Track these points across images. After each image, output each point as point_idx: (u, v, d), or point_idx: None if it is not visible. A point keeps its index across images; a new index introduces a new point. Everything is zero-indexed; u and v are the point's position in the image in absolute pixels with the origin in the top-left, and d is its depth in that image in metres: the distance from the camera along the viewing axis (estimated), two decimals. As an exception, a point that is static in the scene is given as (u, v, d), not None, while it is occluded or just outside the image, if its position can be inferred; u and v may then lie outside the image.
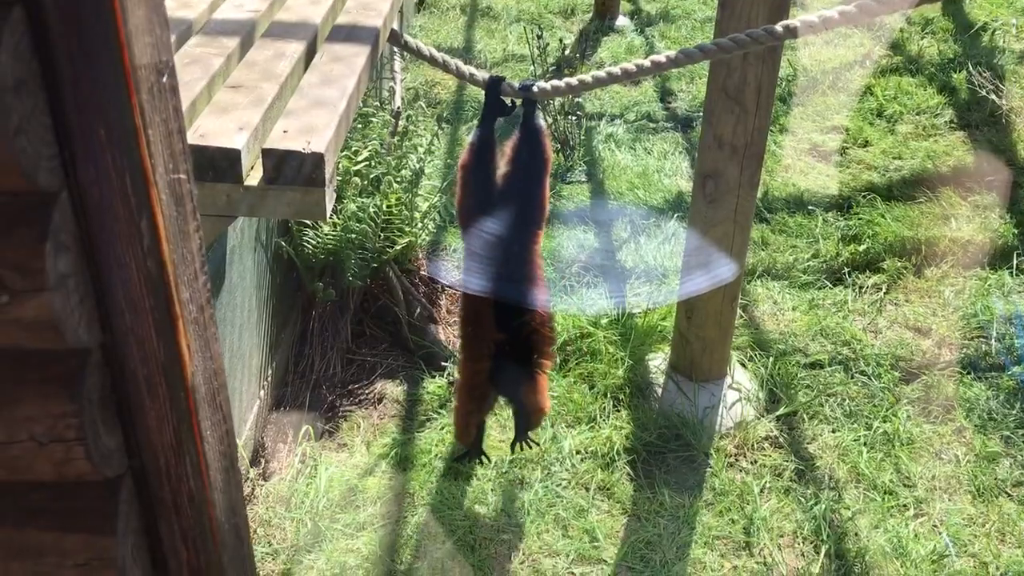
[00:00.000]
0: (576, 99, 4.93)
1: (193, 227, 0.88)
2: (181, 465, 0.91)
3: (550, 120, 4.93)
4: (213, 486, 0.96)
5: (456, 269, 4.15)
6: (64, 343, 0.77)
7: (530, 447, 2.91)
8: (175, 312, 0.85)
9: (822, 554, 2.86)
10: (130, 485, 0.90)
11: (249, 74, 2.01)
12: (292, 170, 1.73)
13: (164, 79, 0.80)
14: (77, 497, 0.87)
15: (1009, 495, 3.08)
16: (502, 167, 2.59)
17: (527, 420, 2.76)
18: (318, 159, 1.72)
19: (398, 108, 3.87)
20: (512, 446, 2.89)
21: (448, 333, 3.87)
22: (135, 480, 0.91)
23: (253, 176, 1.77)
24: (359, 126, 3.62)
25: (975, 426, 3.33)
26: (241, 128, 1.77)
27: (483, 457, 2.94)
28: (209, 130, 1.78)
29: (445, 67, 2.49)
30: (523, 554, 2.89)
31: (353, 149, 3.52)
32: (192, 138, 1.76)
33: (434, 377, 3.61)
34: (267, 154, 1.74)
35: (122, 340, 0.84)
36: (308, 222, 3.38)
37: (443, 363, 3.67)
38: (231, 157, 1.71)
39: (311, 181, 1.73)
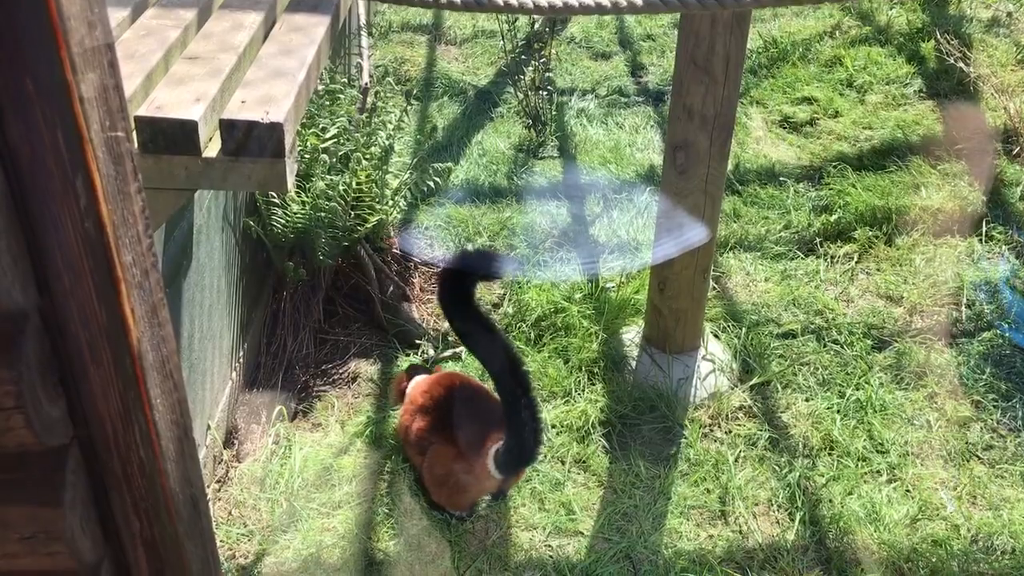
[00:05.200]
0: (547, 74, 4.89)
1: (134, 188, 0.85)
2: (130, 434, 0.89)
3: (521, 96, 4.90)
4: (165, 456, 0.93)
5: (428, 246, 4.13)
6: (-2, 305, 0.75)
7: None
8: (116, 275, 0.82)
9: (797, 521, 2.87)
10: (77, 455, 0.87)
11: (206, 46, 1.97)
12: (250, 141, 1.69)
13: (97, 32, 0.77)
14: (20, 468, 0.84)
15: (980, 459, 3.11)
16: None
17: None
18: (277, 129, 1.69)
19: (366, 84, 3.82)
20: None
21: (422, 311, 3.85)
22: (82, 450, 0.88)
23: (211, 148, 1.74)
24: (327, 103, 3.57)
25: (946, 392, 3.35)
26: (198, 99, 1.74)
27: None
28: (165, 102, 1.74)
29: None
30: (500, 529, 2.88)
31: (321, 126, 3.48)
32: (148, 110, 1.72)
33: (408, 355, 3.59)
34: (225, 125, 1.71)
35: (62, 304, 0.81)
36: (276, 200, 3.34)
37: (417, 341, 3.65)
38: (188, 128, 1.67)
39: (270, 152, 1.70)
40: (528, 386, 2.62)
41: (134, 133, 1.73)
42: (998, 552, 2.77)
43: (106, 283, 0.82)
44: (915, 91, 5.13)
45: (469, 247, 4.06)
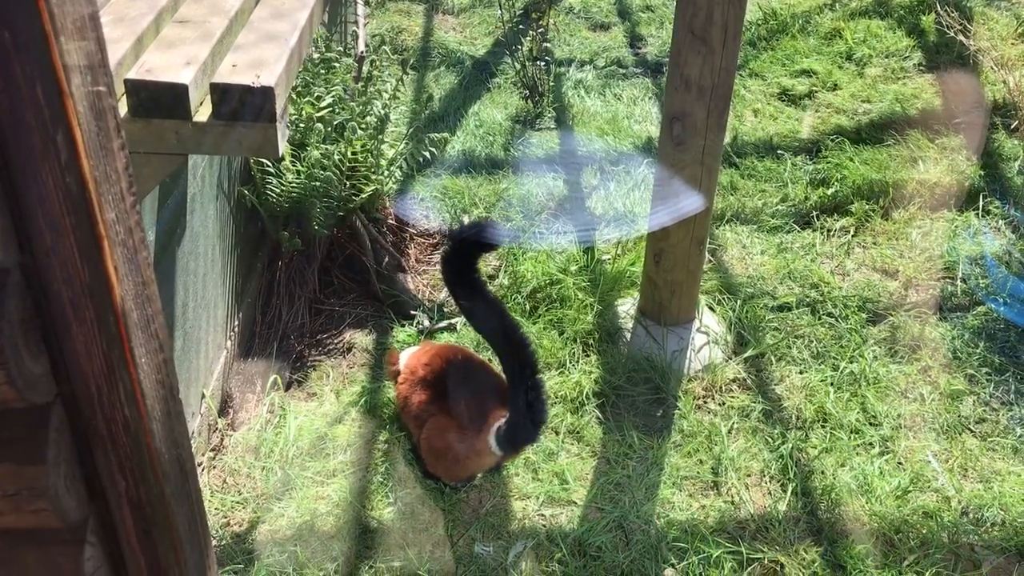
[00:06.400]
0: (545, 45, 4.86)
1: (117, 145, 0.84)
2: (114, 393, 0.89)
3: (518, 66, 4.87)
4: (150, 415, 0.93)
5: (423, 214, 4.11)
6: (-23, 261, 0.74)
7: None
8: (99, 232, 0.81)
9: (789, 492, 2.89)
10: (60, 413, 0.87)
11: (198, 9, 1.95)
12: (241, 105, 1.68)
13: (76, -15, 0.76)
14: (3, 425, 0.84)
15: (972, 431, 3.12)
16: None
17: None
18: (268, 93, 1.68)
19: (362, 53, 3.79)
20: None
21: (417, 282, 3.84)
22: (66, 408, 0.88)
23: (202, 113, 1.73)
24: (322, 71, 3.54)
25: (940, 365, 3.36)
26: (189, 63, 1.72)
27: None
28: (156, 65, 1.73)
29: None
30: (493, 498, 2.90)
31: (316, 95, 3.45)
32: (138, 73, 1.71)
33: (403, 326, 3.59)
34: (215, 89, 1.70)
35: (43, 261, 0.80)
36: (271, 168, 3.32)
37: (412, 312, 3.65)
38: (178, 92, 1.66)
39: (261, 116, 1.69)
40: (535, 367, 2.62)
41: (124, 97, 1.72)
42: (988, 524, 2.78)
43: (88, 240, 0.82)
44: (914, 64, 5.09)
45: (465, 220, 4.05)
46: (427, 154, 3.79)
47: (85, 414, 0.89)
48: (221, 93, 1.70)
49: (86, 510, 0.94)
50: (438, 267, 3.89)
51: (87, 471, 0.93)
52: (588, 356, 3.39)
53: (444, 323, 3.60)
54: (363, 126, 3.46)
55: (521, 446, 2.84)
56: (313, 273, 3.66)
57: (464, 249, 2.65)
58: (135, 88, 1.68)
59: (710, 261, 3.80)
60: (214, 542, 2.74)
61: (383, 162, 3.61)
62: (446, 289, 3.72)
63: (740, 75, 5.06)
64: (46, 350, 0.85)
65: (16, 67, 0.73)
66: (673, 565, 2.68)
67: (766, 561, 2.69)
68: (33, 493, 0.85)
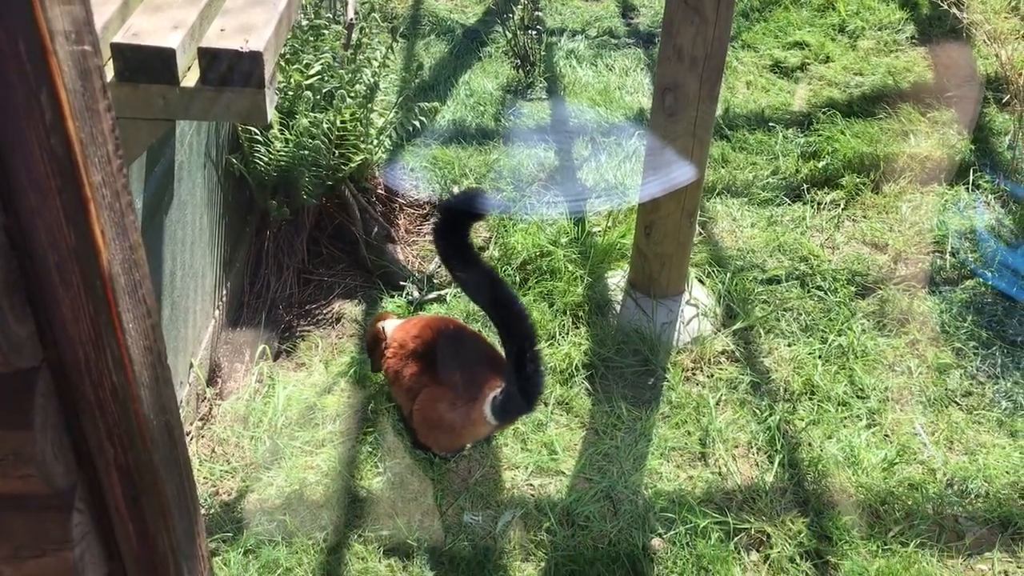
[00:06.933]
0: (536, 14, 4.81)
1: (103, 106, 0.83)
2: (102, 358, 0.88)
3: (509, 35, 4.82)
4: (138, 381, 0.92)
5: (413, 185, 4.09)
6: (-41, 223, 0.73)
7: None
8: (85, 195, 0.80)
9: (776, 463, 2.91)
10: (47, 378, 0.86)
11: (185, -28, 1.91)
12: (229, 70, 1.66)
13: (59, -61, 0.74)
14: (-12, 390, 0.83)
15: (958, 404, 3.14)
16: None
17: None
18: (257, 58, 1.66)
19: (351, 20, 3.74)
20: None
21: (407, 252, 3.83)
22: (53, 374, 0.87)
23: (190, 77, 1.70)
24: (311, 38, 3.50)
25: (928, 339, 3.37)
26: (176, 27, 1.70)
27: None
28: (143, 29, 1.70)
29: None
30: (482, 468, 2.91)
31: (305, 62, 3.41)
32: (125, 37, 1.69)
33: (393, 297, 3.58)
34: (203, 53, 1.67)
35: (28, 223, 0.79)
36: (259, 137, 3.29)
37: (401, 283, 3.64)
38: (165, 56, 1.64)
39: (250, 81, 1.67)
40: (534, 337, 2.61)
41: (110, 61, 1.69)
42: (972, 496, 2.81)
43: (74, 203, 0.80)
44: (907, 37, 5.08)
45: (455, 191, 4.03)
46: (417, 123, 3.76)
47: (72, 380, 0.88)
48: (209, 58, 1.68)
49: (74, 476, 0.93)
50: (428, 238, 3.88)
51: (74, 438, 0.92)
52: (578, 328, 3.39)
53: (434, 294, 3.59)
54: (352, 94, 3.42)
55: (516, 416, 2.85)
56: (302, 243, 3.64)
57: (454, 219, 2.64)
58: (121, 52, 1.65)
59: (700, 234, 3.80)
60: (203, 511, 2.74)
61: (372, 131, 3.58)
62: (437, 260, 3.71)
63: (732, 47, 5.03)
64: (32, 315, 0.84)
65: (-2, 23, 0.71)
66: (660, 535, 2.70)
67: (753, 531, 2.71)
68: (20, 459, 0.85)
